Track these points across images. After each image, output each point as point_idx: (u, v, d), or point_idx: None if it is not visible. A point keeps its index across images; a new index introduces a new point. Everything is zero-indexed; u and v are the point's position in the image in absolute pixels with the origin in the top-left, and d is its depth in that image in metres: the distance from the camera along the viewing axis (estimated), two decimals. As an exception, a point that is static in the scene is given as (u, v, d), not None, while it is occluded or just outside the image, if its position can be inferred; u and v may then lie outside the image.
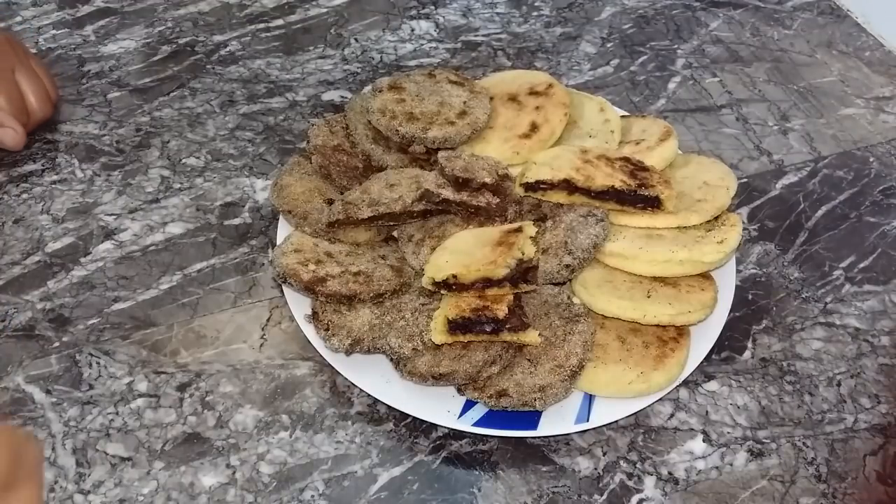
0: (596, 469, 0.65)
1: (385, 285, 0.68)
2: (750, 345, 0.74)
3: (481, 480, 0.64)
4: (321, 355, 0.68)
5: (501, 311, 0.63)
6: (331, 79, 0.97)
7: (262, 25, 1.04)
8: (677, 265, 0.69)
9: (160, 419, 0.67)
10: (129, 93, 0.94)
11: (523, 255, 0.65)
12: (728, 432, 0.68)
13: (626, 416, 0.67)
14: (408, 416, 0.67)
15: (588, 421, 0.64)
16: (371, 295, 0.67)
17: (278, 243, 0.73)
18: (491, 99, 0.81)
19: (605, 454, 0.66)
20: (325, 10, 1.06)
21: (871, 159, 0.91)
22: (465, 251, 0.67)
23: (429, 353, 0.65)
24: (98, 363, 0.70)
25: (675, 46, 1.03)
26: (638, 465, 0.66)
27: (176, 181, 0.85)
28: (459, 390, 0.65)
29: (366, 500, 0.63)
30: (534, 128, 0.78)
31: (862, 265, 0.80)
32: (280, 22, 1.04)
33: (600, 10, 1.08)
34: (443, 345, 0.65)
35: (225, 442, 0.66)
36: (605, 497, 0.64)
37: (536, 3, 1.09)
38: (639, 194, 0.71)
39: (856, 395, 0.70)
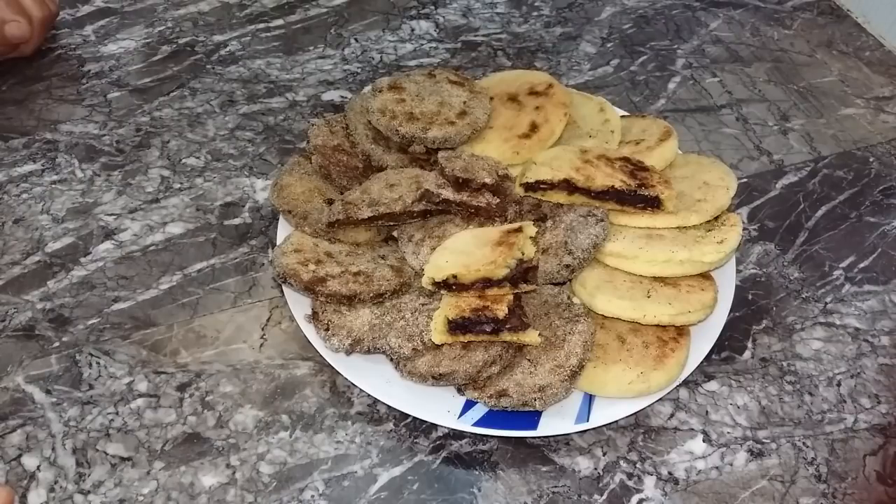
0: (596, 469, 0.65)
1: (385, 285, 0.68)
2: (750, 345, 0.74)
3: (481, 480, 0.64)
4: (321, 355, 0.68)
5: (501, 311, 0.63)
6: (331, 79, 0.97)
7: (262, 25, 1.04)
8: (677, 265, 0.69)
9: (160, 419, 0.67)
10: (129, 93, 0.94)
11: (523, 255, 0.65)
12: (728, 432, 0.68)
13: (626, 416, 0.67)
14: (408, 416, 0.67)
15: (588, 421, 0.64)
16: (371, 295, 0.67)
17: (278, 243, 0.73)
18: (491, 99, 0.81)
19: (605, 454, 0.66)
20: (325, 10, 1.06)
21: (871, 159, 0.91)
22: (465, 251, 0.67)
23: (429, 353, 0.65)
24: (98, 363, 0.70)
25: (675, 46, 1.03)
26: (638, 465, 0.66)
27: (176, 181, 0.85)
28: (459, 390, 0.65)
29: (366, 500, 0.63)
30: (534, 128, 0.78)
31: (862, 265, 0.80)
32: (280, 22, 1.04)
33: (600, 10, 1.08)
34: (443, 345, 0.65)
35: (225, 442, 0.66)
36: (605, 497, 0.64)
37: (536, 3, 1.09)
38: (639, 194, 0.71)
39: (856, 395, 0.71)
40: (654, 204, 0.71)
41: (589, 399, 0.66)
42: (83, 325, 0.73)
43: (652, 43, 1.04)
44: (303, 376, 0.70)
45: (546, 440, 0.67)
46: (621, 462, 0.66)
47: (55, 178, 0.85)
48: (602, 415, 0.65)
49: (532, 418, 0.64)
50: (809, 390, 0.71)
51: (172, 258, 0.79)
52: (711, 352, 0.70)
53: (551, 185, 0.71)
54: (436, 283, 0.65)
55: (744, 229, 0.80)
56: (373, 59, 1.00)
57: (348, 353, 0.67)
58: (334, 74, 0.98)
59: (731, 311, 0.72)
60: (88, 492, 0.63)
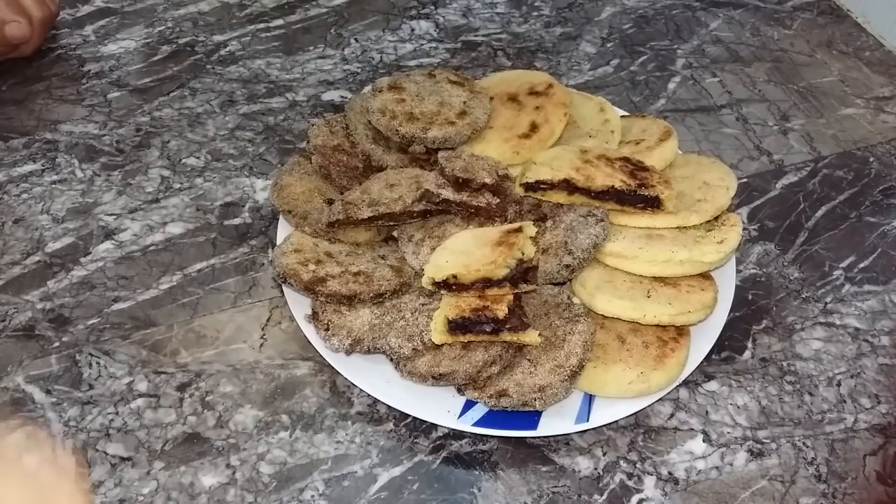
0: (596, 469, 0.65)
1: (385, 285, 0.68)
2: (750, 345, 0.74)
3: (481, 480, 0.64)
4: (321, 355, 0.68)
5: (501, 311, 0.63)
6: (331, 79, 0.97)
7: (262, 25, 1.04)
8: (677, 265, 0.69)
9: (160, 419, 0.67)
10: (129, 93, 0.94)
11: (523, 255, 0.65)
12: (728, 432, 0.68)
13: (626, 416, 0.67)
14: (408, 416, 0.67)
15: (588, 421, 0.64)
16: (371, 295, 0.67)
17: (278, 243, 0.73)
18: (491, 99, 0.81)
19: (605, 454, 0.66)
20: (325, 10, 1.06)
21: (871, 159, 0.91)
22: (465, 251, 0.67)
23: (429, 353, 0.65)
24: (98, 363, 0.70)
25: (675, 46, 1.03)
26: (638, 465, 0.66)
27: (176, 181, 0.85)
28: (459, 390, 0.65)
29: (366, 500, 0.63)
30: (534, 128, 0.78)
31: (862, 265, 0.80)
32: (280, 22, 1.04)
33: (600, 10, 1.08)
34: (443, 345, 0.65)
35: (225, 442, 0.66)
36: (605, 497, 0.64)
37: (536, 3, 1.09)
38: (639, 194, 0.71)
39: (856, 395, 0.70)
40: (654, 204, 0.71)
41: (589, 399, 0.66)
42: (83, 325, 0.73)
43: (652, 43, 1.04)
44: (303, 376, 0.70)
45: (546, 440, 0.67)
46: (621, 462, 0.66)
47: (55, 178, 0.85)
48: (602, 415, 0.65)
49: (532, 418, 0.64)
50: (809, 390, 0.71)
51: (172, 258, 0.79)
52: (711, 352, 0.70)
53: (551, 185, 0.71)
54: (436, 283, 0.65)
55: (744, 229, 0.80)
56: (373, 59, 1.00)
57: (348, 353, 0.67)
58: (334, 74, 0.98)
59: (731, 311, 0.72)
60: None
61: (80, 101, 0.93)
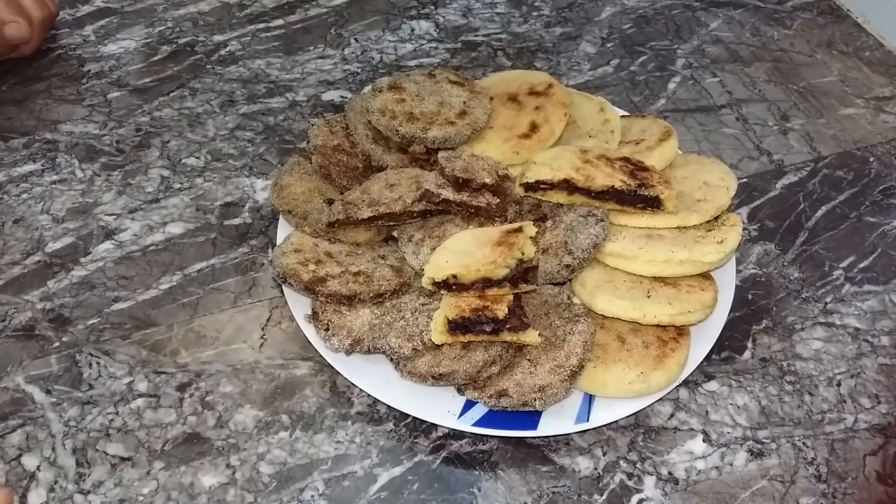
0: (596, 469, 0.65)
1: (385, 285, 0.68)
2: (750, 345, 0.74)
3: (481, 480, 0.64)
4: (321, 355, 0.68)
5: (501, 311, 0.63)
6: (331, 79, 0.97)
7: (262, 25, 1.04)
8: (677, 265, 0.69)
9: (160, 419, 0.67)
10: (129, 93, 0.94)
11: (523, 255, 0.65)
12: (728, 432, 0.68)
13: (626, 416, 0.67)
14: (408, 416, 0.67)
15: (588, 421, 0.64)
16: (371, 295, 0.67)
17: (278, 243, 0.73)
18: (491, 99, 0.81)
19: (605, 454, 0.66)
20: (325, 10, 1.06)
21: (871, 159, 0.91)
22: (465, 251, 0.67)
23: (429, 353, 0.65)
24: (98, 363, 0.71)
25: (675, 46, 1.03)
26: (638, 465, 0.66)
27: (176, 181, 0.85)
28: (459, 390, 0.65)
29: (366, 500, 0.63)
30: (534, 128, 0.78)
31: (862, 265, 0.80)
32: (280, 22, 1.04)
33: (600, 10, 1.09)
34: (443, 345, 0.65)
35: (225, 442, 0.66)
36: (605, 497, 0.64)
37: (536, 3, 1.09)
38: (639, 194, 0.71)
39: (856, 395, 0.70)
40: (654, 204, 0.71)
41: (589, 399, 0.66)
42: (83, 325, 0.73)
43: (652, 43, 1.04)
44: (303, 376, 0.70)
45: (546, 440, 0.67)
46: (621, 462, 0.66)
47: (55, 178, 0.85)
48: (602, 415, 0.65)
49: (532, 418, 0.64)
50: (809, 390, 0.71)
51: (172, 258, 0.79)
52: (711, 352, 0.70)
53: (551, 185, 0.71)
54: (436, 283, 0.65)
55: (744, 229, 0.80)
56: (373, 59, 1.00)
57: (348, 353, 0.67)
58: (334, 74, 0.98)
59: (731, 311, 0.72)
60: (88, 492, 0.63)
61: (80, 101, 0.93)
